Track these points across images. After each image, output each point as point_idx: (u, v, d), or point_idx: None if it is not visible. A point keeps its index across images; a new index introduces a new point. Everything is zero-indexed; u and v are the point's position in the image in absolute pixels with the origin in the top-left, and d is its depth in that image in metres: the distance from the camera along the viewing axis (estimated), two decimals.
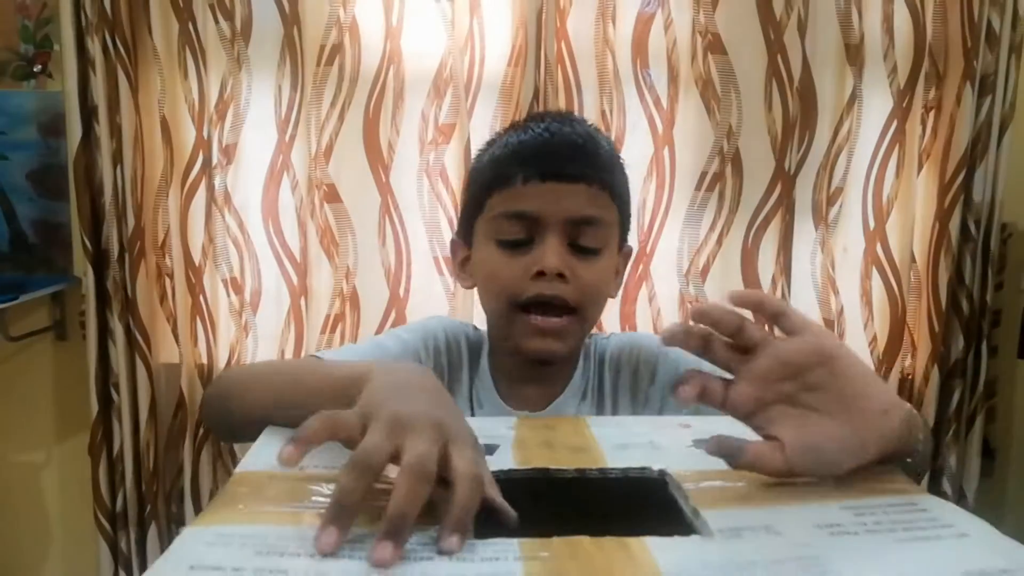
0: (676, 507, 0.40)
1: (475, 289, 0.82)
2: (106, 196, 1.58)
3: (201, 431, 1.67)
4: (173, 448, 1.68)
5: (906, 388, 1.75)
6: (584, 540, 0.34)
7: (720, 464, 0.44)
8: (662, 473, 0.43)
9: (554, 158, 0.71)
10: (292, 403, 0.53)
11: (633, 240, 1.67)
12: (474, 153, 0.86)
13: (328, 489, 0.39)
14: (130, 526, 1.66)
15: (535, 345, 0.72)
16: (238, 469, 0.42)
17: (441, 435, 0.39)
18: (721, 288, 1.72)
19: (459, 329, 0.84)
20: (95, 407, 1.62)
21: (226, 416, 0.64)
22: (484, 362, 0.82)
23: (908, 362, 1.75)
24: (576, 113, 0.80)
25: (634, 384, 0.82)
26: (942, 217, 1.68)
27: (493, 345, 0.82)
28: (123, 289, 1.61)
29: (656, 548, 0.33)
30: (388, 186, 1.64)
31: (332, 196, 1.64)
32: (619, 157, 0.78)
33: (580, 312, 0.73)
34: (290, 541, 0.33)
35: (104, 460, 1.64)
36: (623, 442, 0.47)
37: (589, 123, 0.80)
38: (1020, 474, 1.81)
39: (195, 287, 1.64)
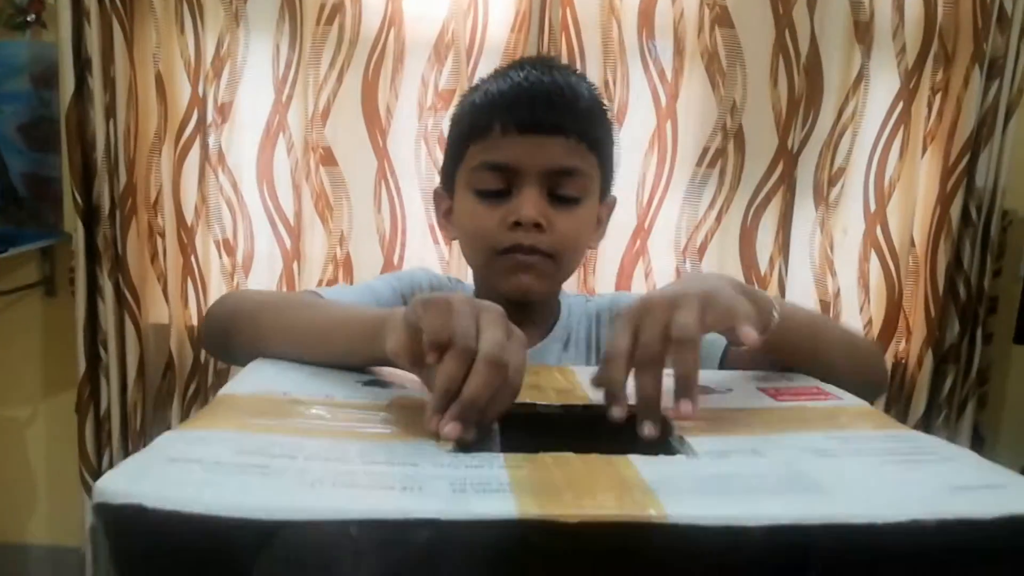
0: (662, 438, 0.39)
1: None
2: (98, 151, 1.55)
3: (190, 392, 1.66)
4: (161, 408, 1.67)
5: (899, 372, 1.75)
6: (570, 455, 0.33)
7: (705, 404, 0.43)
8: None
9: (532, 108, 0.71)
10: (303, 344, 0.53)
11: (631, 215, 1.68)
12: None
13: (312, 410, 0.38)
14: None
15: (513, 282, 0.73)
16: (221, 392, 0.41)
17: (506, 325, 0.41)
18: (719, 266, 1.71)
19: (443, 282, 0.85)
20: (83, 365, 1.61)
21: (228, 341, 0.62)
22: None
23: (902, 346, 1.75)
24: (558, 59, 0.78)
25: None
26: (944, 201, 1.67)
27: (478, 294, 0.81)
28: (113, 246, 1.59)
29: (641, 463, 0.32)
30: (385, 151, 1.62)
31: (328, 159, 1.61)
32: (602, 105, 0.77)
33: (556, 259, 0.73)
34: (273, 444, 0.33)
35: (91, 418, 1.63)
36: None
37: (573, 70, 0.79)
38: (1009, 462, 1.78)
39: (187, 247, 1.63)
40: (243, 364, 0.55)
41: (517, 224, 0.70)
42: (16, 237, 1.59)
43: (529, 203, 0.70)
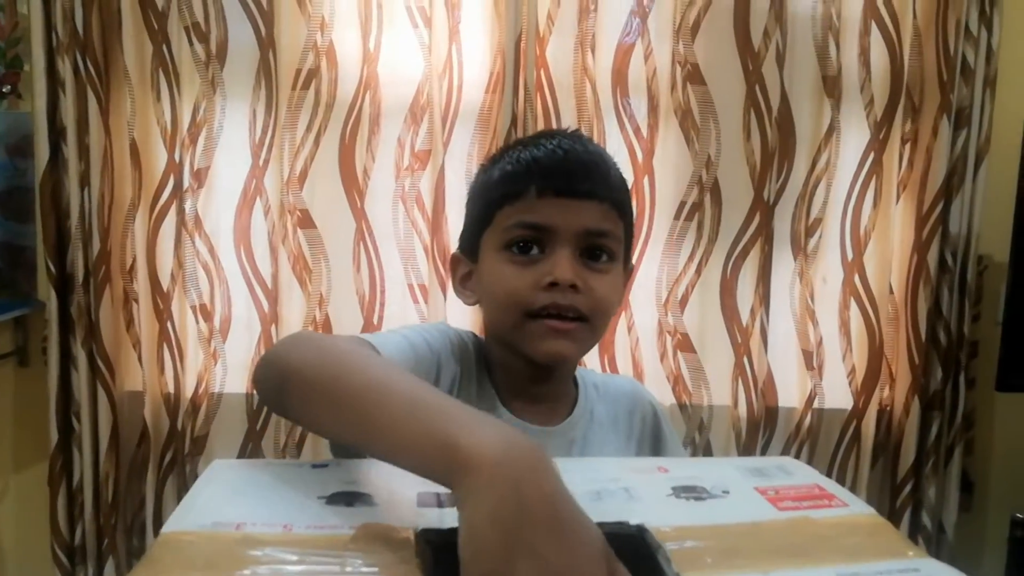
0: (659, 569, 0.37)
1: (472, 307, 0.82)
2: (72, 219, 1.54)
3: (166, 461, 1.62)
4: (135, 479, 1.63)
5: (884, 419, 1.74)
6: None
7: (700, 518, 0.41)
8: (640, 529, 0.40)
9: (569, 175, 0.72)
10: (363, 443, 0.46)
11: None
12: (457, 174, 0.85)
13: (266, 553, 0.35)
14: (88, 559, 1.60)
15: (547, 347, 0.72)
16: (164, 528, 0.37)
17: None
18: (700, 318, 1.71)
19: (467, 340, 0.82)
20: (55, 436, 1.57)
21: (281, 403, 0.56)
22: (483, 372, 0.80)
23: (886, 393, 1.74)
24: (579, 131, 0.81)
25: (630, 421, 0.85)
26: (920, 248, 1.68)
27: (494, 359, 0.80)
28: (87, 314, 1.56)
29: None
30: (363, 212, 1.62)
31: (306, 222, 1.61)
32: (625, 179, 0.80)
33: (590, 321, 0.73)
34: None
35: (63, 491, 1.58)
36: (597, 489, 0.45)
37: (592, 141, 0.82)
38: (998, 507, 1.80)
39: (162, 313, 1.60)
40: (296, 422, 0.54)
41: (552, 285, 0.70)
42: None
43: (565, 263, 0.70)
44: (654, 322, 1.70)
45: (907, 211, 1.71)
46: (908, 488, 1.71)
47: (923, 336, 1.69)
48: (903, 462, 1.72)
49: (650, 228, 1.69)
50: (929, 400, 1.71)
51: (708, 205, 1.67)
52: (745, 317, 1.71)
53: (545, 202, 0.72)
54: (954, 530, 1.74)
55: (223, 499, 0.42)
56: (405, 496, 0.42)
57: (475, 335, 0.82)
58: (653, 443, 0.86)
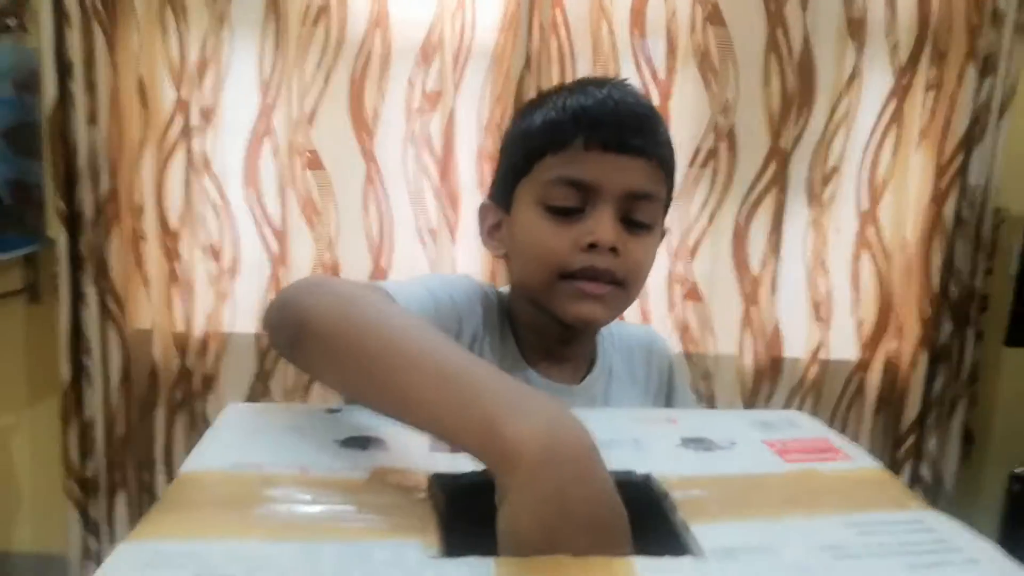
0: (663, 516, 0.37)
1: (484, 254, 0.78)
2: (81, 156, 1.52)
3: (177, 399, 1.64)
4: (146, 416, 1.65)
5: (890, 372, 1.74)
6: (567, 562, 0.31)
7: (707, 469, 0.41)
8: (646, 478, 0.40)
9: (619, 128, 0.67)
10: (392, 408, 0.43)
11: None
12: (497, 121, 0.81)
13: (283, 492, 0.36)
14: (100, 493, 1.64)
15: (578, 309, 0.69)
16: (183, 468, 0.38)
17: None
18: (710, 267, 1.70)
19: (491, 294, 0.78)
20: (67, 372, 1.59)
21: (294, 354, 0.52)
22: (507, 328, 0.77)
23: (894, 345, 1.74)
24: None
25: (647, 372, 0.84)
26: (937, 200, 1.66)
27: (519, 316, 0.77)
28: (97, 253, 1.56)
29: (645, 571, 0.30)
30: (372, 154, 1.60)
31: (315, 163, 1.59)
32: (671, 137, 0.74)
33: (625, 286, 0.69)
34: (235, 561, 0.30)
35: (75, 426, 1.61)
36: (608, 438, 0.44)
37: (643, 93, 0.75)
38: (998, 460, 1.81)
39: (171, 253, 1.60)
40: (312, 376, 0.51)
41: (591, 246, 0.66)
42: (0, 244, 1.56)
43: (607, 224, 0.66)
44: (664, 271, 1.69)
45: (926, 161, 1.67)
46: (911, 440, 1.72)
47: (935, 289, 1.68)
48: (907, 414, 1.73)
49: None
50: (936, 353, 1.71)
51: (723, 151, 1.65)
52: (756, 266, 1.69)
53: (592, 156, 0.67)
54: (953, 482, 1.76)
55: (240, 441, 0.42)
56: (418, 441, 0.43)
57: (498, 290, 0.79)
58: (667, 395, 0.86)
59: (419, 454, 0.42)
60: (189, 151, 1.57)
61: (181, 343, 1.63)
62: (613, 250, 0.66)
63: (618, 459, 0.42)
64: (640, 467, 0.41)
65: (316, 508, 0.35)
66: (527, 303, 0.74)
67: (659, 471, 0.40)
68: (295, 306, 0.52)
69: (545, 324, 0.72)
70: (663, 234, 0.76)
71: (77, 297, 1.57)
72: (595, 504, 0.35)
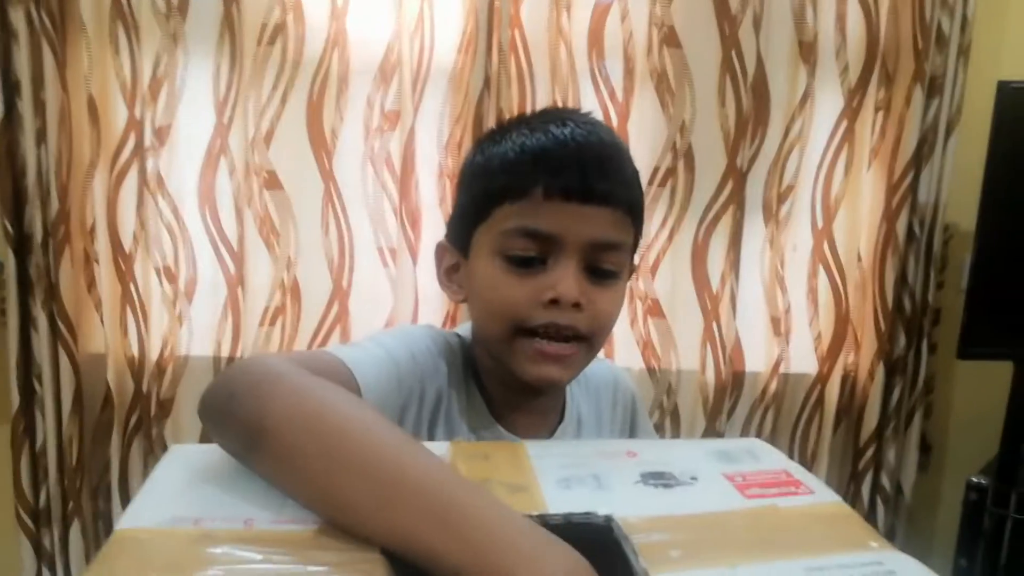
0: (624, 560, 0.37)
1: (454, 300, 0.73)
2: (29, 177, 1.48)
3: (132, 424, 1.60)
4: (100, 443, 1.61)
5: (848, 384, 1.78)
6: None
7: (668, 508, 0.41)
8: (608, 520, 0.40)
9: (582, 174, 0.62)
10: (368, 536, 0.38)
11: None
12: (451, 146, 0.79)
13: (224, 551, 0.34)
14: (53, 523, 1.58)
15: (538, 372, 0.65)
16: (120, 525, 0.36)
17: None
18: (671, 284, 1.71)
19: (454, 345, 0.73)
20: (17, 399, 1.54)
21: (247, 464, 0.45)
22: (471, 382, 0.73)
23: (851, 359, 1.77)
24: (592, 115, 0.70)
25: (612, 413, 0.82)
26: (889, 217, 1.70)
27: (483, 367, 0.72)
28: (47, 275, 1.52)
29: None
30: (331, 173, 1.58)
31: (272, 183, 1.57)
32: (638, 173, 0.70)
33: (590, 341, 0.66)
34: None
35: (26, 454, 1.56)
36: (566, 476, 0.44)
37: (609, 129, 0.70)
38: (954, 469, 1.86)
39: (125, 275, 1.56)
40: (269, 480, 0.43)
41: (553, 302, 0.62)
42: None
43: (570, 280, 0.62)
44: (625, 287, 1.69)
45: (878, 179, 1.72)
46: (870, 452, 1.75)
47: (889, 303, 1.72)
48: (866, 426, 1.76)
49: None
50: (892, 366, 1.74)
51: (681, 171, 1.67)
52: (715, 283, 1.71)
53: (553, 205, 0.62)
54: (911, 491, 1.79)
55: (181, 492, 0.40)
56: None
57: (459, 337, 0.75)
58: (631, 429, 0.84)
59: None
60: (142, 171, 1.53)
61: (136, 367, 1.59)
62: (576, 305, 0.63)
63: (579, 498, 0.41)
64: (600, 506, 0.41)
65: (263, 567, 0.33)
66: (489, 355, 0.71)
67: (620, 512, 0.40)
68: (249, 405, 0.45)
69: (510, 377, 0.68)
70: (632, 271, 0.72)
71: (26, 321, 1.53)
72: None
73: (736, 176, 1.67)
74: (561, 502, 0.40)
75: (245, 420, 0.44)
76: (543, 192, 0.62)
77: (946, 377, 1.85)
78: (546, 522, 0.39)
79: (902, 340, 1.74)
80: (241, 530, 0.36)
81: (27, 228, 1.50)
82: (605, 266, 0.65)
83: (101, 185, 1.54)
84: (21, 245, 1.51)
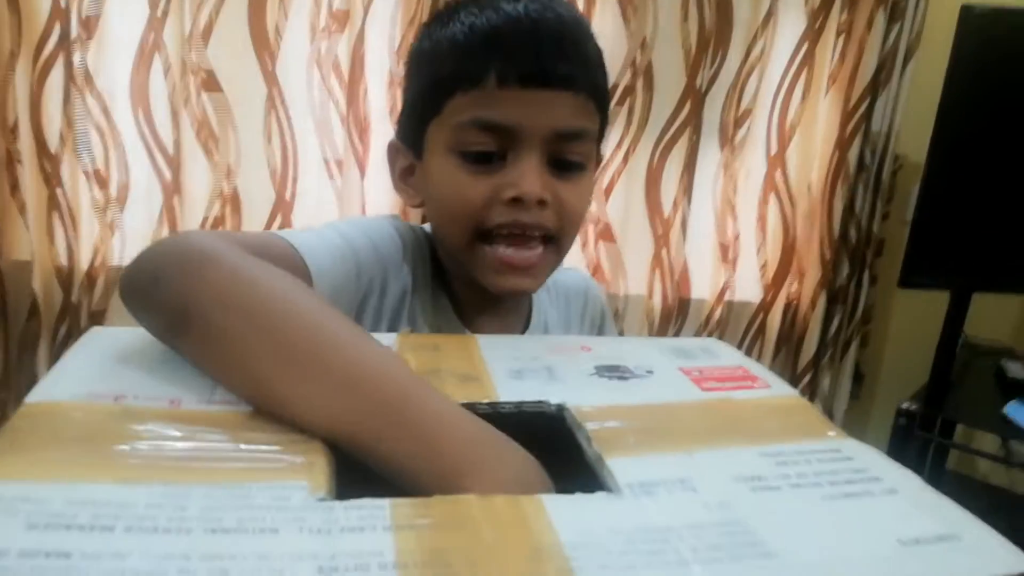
0: (577, 448, 0.35)
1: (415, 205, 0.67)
2: None
3: (60, 336, 1.53)
4: (27, 354, 1.53)
5: (790, 313, 1.80)
6: (470, 501, 0.28)
7: (622, 398, 0.39)
8: (560, 408, 0.38)
9: (538, 56, 0.56)
10: (306, 423, 0.34)
11: None
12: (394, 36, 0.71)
13: (147, 428, 0.31)
14: None
15: (504, 283, 0.60)
16: (28, 399, 0.32)
17: None
18: (624, 208, 1.69)
19: (421, 239, 0.68)
20: None
21: (173, 346, 0.41)
22: (437, 282, 0.68)
23: (795, 287, 1.80)
24: None
25: (581, 321, 0.79)
26: (842, 145, 1.70)
27: (449, 267, 0.67)
28: None
29: (555, 510, 0.28)
30: (274, 76, 1.50)
31: (211, 84, 1.48)
32: (601, 51, 0.63)
33: (558, 241, 0.62)
34: (86, 504, 0.25)
35: None
36: (518, 368, 0.42)
37: (567, 3, 0.62)
38: (885, 397, 1.92)
39: (51, 178, 1.47)
40: (194, 362, 0.39)
41: (515, 200, 0.57)
42: None
43: (532, 174, 0.57)
44: None
45: (834, 106, 1.71)
46: (806, 379, 1.80)
47: (835, 233, 1.73)
48: (804, 354, 1.79)
49: None
50: (834, 295, 1.77)
51: (640, 89, 1.63)
52: (667, 208, 1.70)
53: (508, 94, 0.56)
54: (843, 418, 1.85)
55: (100, 369, 0.36)
56: None
57: (426, 233, 0.70)
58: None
59: None
60: (68, 65, 1.42)
61: (64, 276, 1.51)
62: (541, 203, 0.58)
63: (531, 389, 0.39)
64: (553, 397, 0.39)
65: (185, 445, 0.30)
66: (451, 258, 0.66)
67: (573, 401, 0.38)
68: (174, 287, 0.40)
69: (475, 281, 0.63)
70: (599, 163, 0.68)
71: None
72: None
73: (695, 97, 1.64)
74: (513, 392, 0.38)
75: (170, 303, 0.40)
76: (497, 79, 0.57)
77: (884, 308, 1.90)
78: (497, 410, 0.37)
79: (845, 270, 1.76)
80: (167, 409, 0.33)
81: None
82: (570, 157, 0.60)
83: (23, 79, 1.42)
84: None
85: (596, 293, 0.82)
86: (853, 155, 1.70)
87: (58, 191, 1.47)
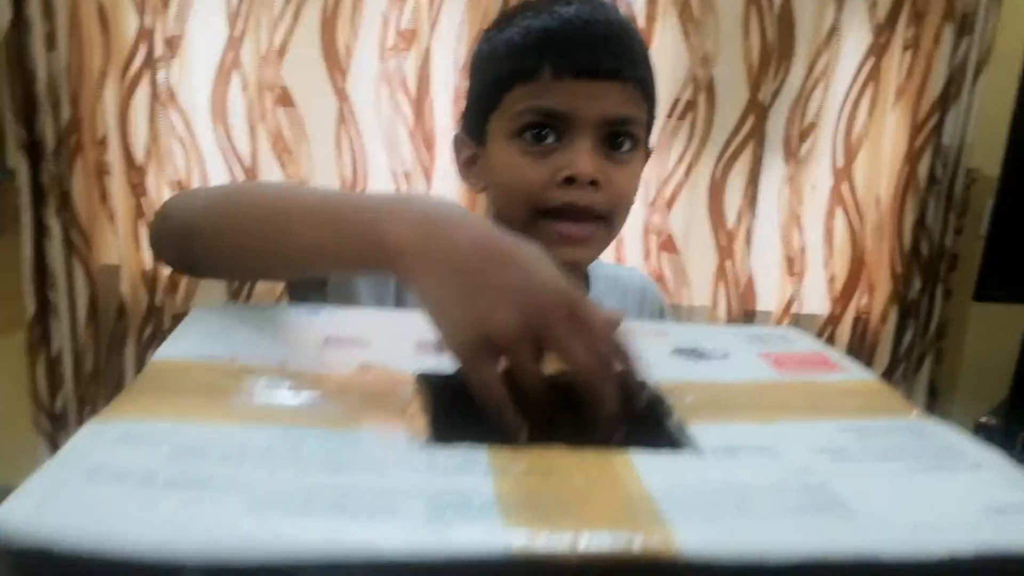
0: (658, 419, 0.36)
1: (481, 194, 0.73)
2: (39, 83, 1.46)
3: (146, 337, 1.61)
4: (115, 353, 1.61)
5: (860, 327, 1.77)
6: (563, 453, 0.30)
7: (701, 375, 0.40)
8: (643, 386, 0.39)
9: (588, 51, 0.63)
10: (282, 258, 0.44)
11: None
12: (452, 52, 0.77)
13: (262, 381, 0.34)
14: (70, 427, 1.60)
15: (560, 254, 0.62)
16: (154, 357, 0.36)
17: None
18: (686, 219, 1.70)
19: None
20: (32, 306, 1.54)
21: (186, 255, 0.51)
22: None
23: (864, 301, 1.76)
24: None
25: (639, 317, 0.80)
26: (911, 159, 1.67)
27: None
28: (60, 185, 1.51)
29: (642, 465, 0.29)
30: (345, 93, 1.55)
31: (285, 100, 1.54)
32: (648, 51, 0.69)
33: (609, 220, 0.66)
34: (214, 443, 0.28)
35: (43, 360, 1.57)
36: None
37: (615, 7, 0.70)
38: (962, 412, 1.85)
39: (137, 188, 1.55)
40: (204, 274, 0.50)
41: (569, 180, 0.62)
42: None
43: (585, 156, 0.62)
44: (640, 221, 1.68)
45: (902, 120, 1.68)
46: None
47: (906, 247, 1.70)
48: (876, 368, 1.75)
49: None
50: (906, 309, 1.73)
51: (702, 104, 1.63)
52: (731, 220, 1.70)
53: (561, 84, 0.62)
54: None
55: (211, 337, 0.40)
56: (403, 343, 0.41)
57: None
58: None
59: (405, 355, 0.40)
60: (153, 82, 1.51)
61: (150, 281, 1.59)
62: (593, 183, 0.63)
63: None
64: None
65: (296, 397, 0.33)
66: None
67: (653, 378, 0.39)
68: (176, 215, 0.52)
69: None
70: (648, 155, 0.72)
71: (40, 230, 1.52)
72: (489, 242, 0.37)
73: (758, 111, 1.63)
74: None
75: (176, 229, 0.51)
76: (551, 72, 0.62)
77: (959, 323, 1.84)
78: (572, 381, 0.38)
79: (917, 284, 1.73)
80: (277, 367, 0.36)
81: (39, 135, 1.49)
82: (619, 144, 0.65)
83: (112, 96, 1.52)
84: (34, 153, 1.50)
85: (655, 291, 0.85)
86: (923, 169, 1.67)
87: (143, 200, 1.55)
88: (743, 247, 1.69)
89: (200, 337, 0.39)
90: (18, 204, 1.51)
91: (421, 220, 0.38)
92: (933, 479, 0.31)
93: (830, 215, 1.73)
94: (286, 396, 0.33)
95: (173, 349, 0.37)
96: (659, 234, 1.69)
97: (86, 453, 0.27)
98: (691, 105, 1.63)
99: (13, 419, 1.67)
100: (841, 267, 1.75)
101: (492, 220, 0.71)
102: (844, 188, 1.71)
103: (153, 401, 0.31)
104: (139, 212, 1.56)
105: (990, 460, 0.32)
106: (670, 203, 1.68)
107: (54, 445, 1.61)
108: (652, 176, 1.66)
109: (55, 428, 1.60)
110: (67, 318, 1.54)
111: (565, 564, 0.23)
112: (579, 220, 0.64)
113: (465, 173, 0.74)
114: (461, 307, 0.36)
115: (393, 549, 0.22)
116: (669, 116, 1.63)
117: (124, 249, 1.55)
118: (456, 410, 0.33)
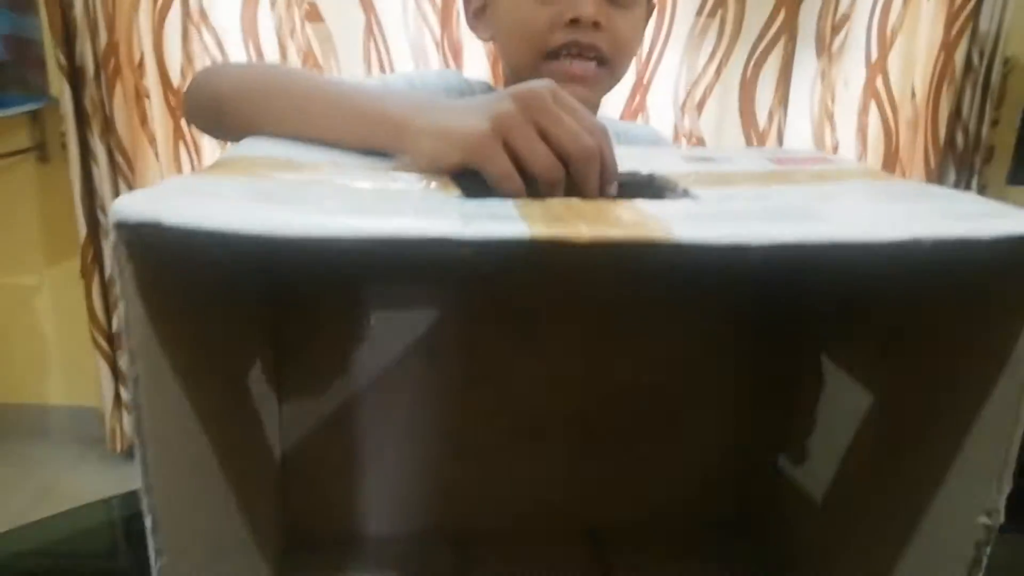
0: (660, 189, 0.39)
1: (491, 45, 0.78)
2: (77, 8, 1.50)
3: None
4: None
5: None
6: (579, 201, 0.33)
7: (707, 169, 0.43)
8: (651, 177, 0.42)
9: None
10: (298, 131, 0.47)
11: (630, 70, 1.64)
12: None
13: (321, 165, 0.38)
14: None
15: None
16: (221, 156, 0.40)
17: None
18: (717, 121, 1.69)
19: (473, 83, 0.78)
20: (83, 230, 1.61)
21: (216, 127, 0.55)
22: None
23: None
24: None
25: None
26: (947, 47, 1.63)
27: None
28: (101, 109, 1.56)
29: (647, 205, 0.32)
30: (371, 4, 1.57)
31: (314, 15, 1.56)
32: None
33: (611, 63, 0.69)
34: (285, 186, 0.33)
35: (97, 282, 1.65)
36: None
37: None
38: None
39: (175, 110, 1.60)
40: (236, 140, 0.53)
41: (574, 22, 0.65)
42: (1, 102, 1.55)
43: None
44: (670, 125, 1.68)
45: (939, 8, 1.64)
46: None
47: (941, 140, 1.68)
48: None
49: (671, 26, 1.64)
50: None
51: (731, 0, 1.61)
52: (762, 120, 1.69)
53: None
54: None
55: (272, 145, 0.43)
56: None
57: (484, 83, 0.79)
58: None
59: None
60: (185, 3, 1.54)
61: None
62: (596, 25, 0.66)
63: (621, 162, 0.43)
64: (644, 170, 0.43)
65: (352, 174, 0.37)
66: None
67: (662, 172, 0.42)
68: (208, 86, 0.55)
69: None
70: (651, 10, 0.75)
71: (86, 155, 1.58)
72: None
73: (789, 4, 1.61)
74: None
75: (208, 97, 0.54)
76: None
77: None
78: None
79: (952, 177, 1.71)
80: (326, 161, 0.40)
81: (79, 61, 1.53)
82: None
83: (146, 18, 1.55)
84: (75, 79, 1.54)
85: (668, 141, 0.87)
86: (960, 57, 1.63)
87: (182, 122, 1.60)
88: (774, 146, 1.69)
89: (256, 145, 0.43)
90: (64, 130, 1.57)
91: (444, 121, 0.41)
92: (906, 201, 0.34)
93: (863, 111, 1.71)
94: (342, 173, 0.37)
95: (234, 151, 0.41)
96: (689, 137, 1.69)
97: (179, 185, 0.31)
98: (720, 2, 1.61)
99: (72, 341, 1.76)
100: (874, 163, 1.73)
101: (503, 69, 0.77)
102: (878, 82, 1.69)
103: (227, 170, 0.35)
104: (178, 134, 1.61)
105: (967, 195, 0.35)
106: (700, 105, 1.68)
107: (113, 364, 1.70)
108: (682, 78, 1.66)
109: (112, 347, 1.69)
110: None
111: (581, 249, 0.26)
112: (582, 58, 0.67)
113: (474, 23, 0.76)
114: (463, 116, 0.39)
115: (438, 231, 0.26)
116: (698, 14, 1.61)
117: (165, 170, 1.61)
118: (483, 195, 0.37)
